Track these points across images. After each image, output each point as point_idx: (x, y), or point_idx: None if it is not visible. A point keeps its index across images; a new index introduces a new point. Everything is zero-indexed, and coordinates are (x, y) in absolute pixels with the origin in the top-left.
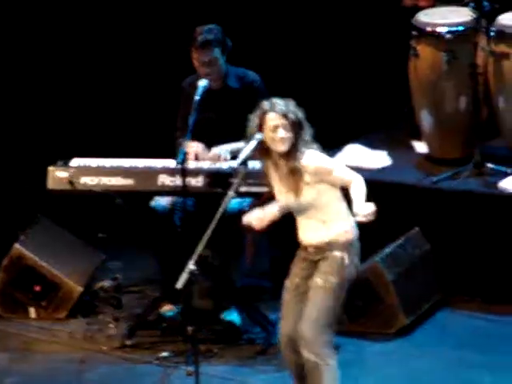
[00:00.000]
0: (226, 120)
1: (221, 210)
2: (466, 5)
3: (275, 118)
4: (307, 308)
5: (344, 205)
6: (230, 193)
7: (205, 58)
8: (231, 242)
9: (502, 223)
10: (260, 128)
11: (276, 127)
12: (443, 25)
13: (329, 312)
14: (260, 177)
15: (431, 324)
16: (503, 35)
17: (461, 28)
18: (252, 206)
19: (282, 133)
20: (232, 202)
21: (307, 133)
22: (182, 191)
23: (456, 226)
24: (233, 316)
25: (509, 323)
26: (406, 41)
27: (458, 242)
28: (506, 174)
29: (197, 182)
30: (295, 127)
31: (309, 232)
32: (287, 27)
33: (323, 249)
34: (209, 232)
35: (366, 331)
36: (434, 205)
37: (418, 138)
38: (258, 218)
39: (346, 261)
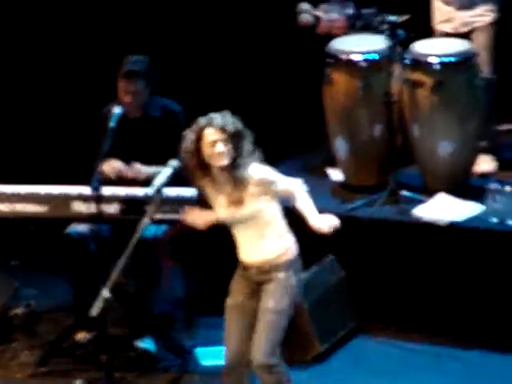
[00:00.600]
0: (144, 148)
1: (135, 237)
2: (380, 33)
3: (213, 133)
4: (263, 332)
5: (284, 221)
6: (145, 220)
7: (129, 87)
8: (146, 269)
9: (416, 251)
10: (197, 144)
11: (214, 142)
12: (358, 52)
13: (282, 333)
14: (175, 204)
15: (346, 351)
16: (418, 63)
17: (375, 56)
18: (167, 234)
19: (221, 147)
20: (147, 228)
21: (248, 143)
22: (97, 218)
23: (371, 253)
24: (148, 343)
25: (422, 351)
26: (321, 68)
27: (373, 270)
28: (420, 202)
29: (111, 208)
30: (234, 140)
31: (251, 251)
32: (203, 53)
33: (267, 270)
34: (124, 259)
35: (283, 358)
36: (349, 232)
37: (334, 165)
38: (199, 216)
39: (293, 281)
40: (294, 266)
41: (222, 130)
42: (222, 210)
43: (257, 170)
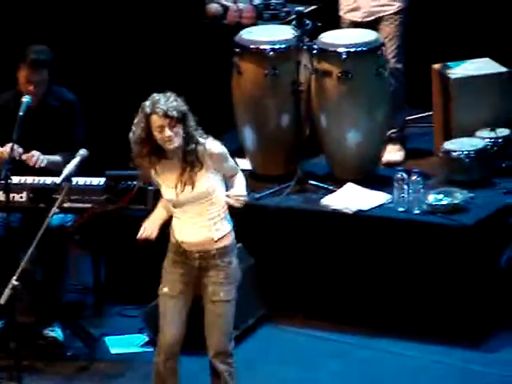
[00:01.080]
0: (44, 136)
1: (44, 225)
2: (288, 23)
3: (158, 120)
4: (218, 323)
5: (226, 205)
6: (54, 208)
7: (34, 77)
8: (54, 258)
9: (323, 240)
10: (148, 130)
11: (162, 127)
12: (265, 42)
13: (232, 319)
14: (83, 193)
15: (255, 339)
16: (325, 53)
17: (283, 45)
18: (75, 222)
19: (168, 132)
20: (55, 217)
21: (194, 121)
22: (5, 207)
23: (279, 242)
24: (56, 332)
25: (330, 340)
26: (229, 58)
27: (282, 258)
28: (328, 191)
29: (20, 197)
30: (180, 121)
31: (194, 232)
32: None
33: (212, 255)
34: (32, 247)
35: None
36: (257, 221)
37: (242, 154)
38: (150, 227)
39: (236, 266)
40: (234, 249)
41: (165, 115)
42: (171, 191)
43: (215, 145)
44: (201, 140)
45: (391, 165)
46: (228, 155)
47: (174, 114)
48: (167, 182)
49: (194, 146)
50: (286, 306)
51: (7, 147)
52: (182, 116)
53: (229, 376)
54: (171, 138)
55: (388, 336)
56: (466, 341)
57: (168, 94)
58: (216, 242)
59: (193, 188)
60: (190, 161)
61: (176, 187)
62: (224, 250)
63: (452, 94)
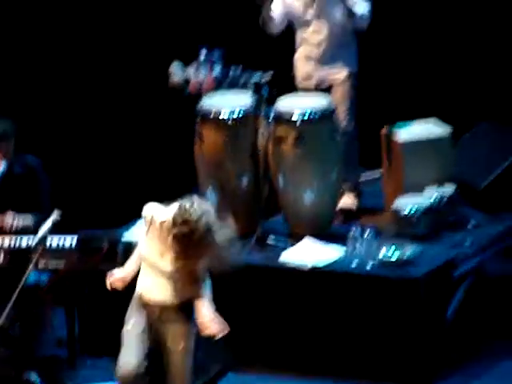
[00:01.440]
0: (13, 201)
1: (21, 284)
2: (246, 90)
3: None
4: (180, 374)
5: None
6: (29, 268)
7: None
8: (31, 314)
9: (282, 294)
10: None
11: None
12: (225, 110)
13: (191, 370)
14: (58, 253)
15: None
16: (281, 119)
17: (242, 112)
18: (50, 281)
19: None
20: (31, 275)
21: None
22: None
23: (241, 297)
24: (33, 376)
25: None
26: (192, 126)
27: (243, 312)
28: (285, 248)
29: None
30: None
31: (160, 291)
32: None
33: (172, 310)
34: (9, 305)
35: None
36: (220, 277)
37: None
38: (120, 278)
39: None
40: (191, 307)
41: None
42: (151, 254)
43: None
44: None
45: (345, 212)
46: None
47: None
48: (160, 251)
49: None
50: (249, 356)
51: None
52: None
53: None
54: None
55: (344, 382)
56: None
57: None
58: (181, 301)
59: (171, 262)
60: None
61: (164, 257)
62: (187, 306)
63: (401, 156)
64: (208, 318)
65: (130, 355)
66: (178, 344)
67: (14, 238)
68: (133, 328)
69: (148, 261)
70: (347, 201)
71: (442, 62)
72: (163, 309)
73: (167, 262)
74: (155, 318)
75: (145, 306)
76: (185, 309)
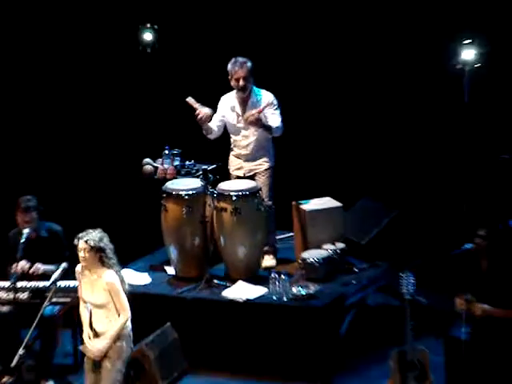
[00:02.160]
0: (40, 256)
1: (39, 313)
2: (197, 176)
3: (80, 244)
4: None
5: (126, 306)
6: (45, 303)
7: (26, 218)
8: (47, 335)
9: (223, 319)
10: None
11: (78, 250)
12: (182, 190)
13: (116, 377)
14: (66, 291)
15: None
16: (222, 196)
17: (194, 192)
18: (60, 311)
19: (83, 254)
20: (47, 308)
21: (109, 255)
22: (14, 302)
23: (195, 321)
24: (50, 382)
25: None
26: (159, 200)
27: (196, 331)
28: (226, 287)
29: (23, 296)
30: (98, 249)
31: (98, 324)
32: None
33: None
34: (32, 329)
35: None
36: (179, 307)
37: (169, 263)
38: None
39: (124, 347)
40: (126, 337)
41: (86, 242)
42: (87, 296)
43: (109, 276)
44: (106, 270)
45: (268, 268)
46: (120, 292)
47: (91, 243)
48: (86, 290)
49: (99, 272)
50: (201, 363)
51: (20, 265)
52: (99, 247)
53: None
54: (84, 259)
55: (265, 380)
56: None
57: (95, 230)
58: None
59: (98, 297)
60: (95, 281)
61: (90, 294)
62: (118, 337)
63: (306, 221)
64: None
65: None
66: (108, 365)
67: (35, 282)
68: (87, 362)
69: (90, 302)
70: (268, 260)
71: (332, 158)
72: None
73: (95, 296)
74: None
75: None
76: (117, 339)
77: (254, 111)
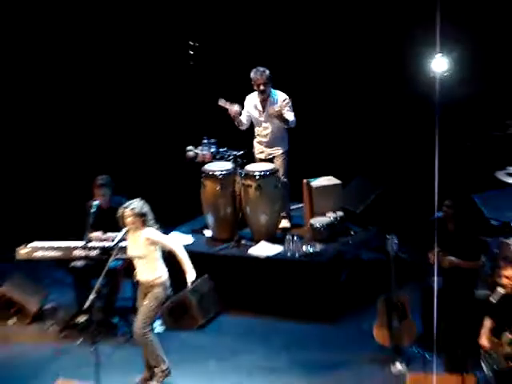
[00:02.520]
0: (111, 223)
1: (106, 267)
2: (229, 160)
3: (126, 212)
4: (138, 314)
5: (160, 261)
6: (111, 258)
7: (100, 192)
8: (113, 283)
9: (249, 271)
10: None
11: (125, 217)
12: (218, 171)
13: (150, 313)
14: (124, 249)
15: (214, 324)
16: (248, 175)
17: (226, 172)
18: (122, 265)
19: (130, 218)
20: (112, 263)
21: (147, 215)
22: (86, 258)
23: (227, 273)
24: (115, 321)
25: (258, 323)
26: (199, 179)
27: (228, 280)
28: (252, 246)
29: (95, 252)
30: (140, 215)
31: (141, 274)
32: None
33: (149, 286)
34: (100, 278)
35: (182, 328)
36: (217, 262)
37: (207, 228)
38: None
39: (161, 292)
40: (163, 285)
41: (131, 209)
42: (131, 249)
43: (148, 232)
44: (146, 228)
45: (284, 229)
46: (159, 238)
47: (136, 210)
48: (131, 244)
49: (141, 231)
50: (232, 305)
51: (93, 234)
52: (140, 213)
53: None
54: (129, 223)
55: (282, 319)
56: (324, 321)
57: (138, 200)
58: (152, 280)
59: (138, 250)
60: (138, 237)
61: (134, 248)
62: (155, 285)
63: (313, 195)
64: (187, 271)
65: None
66: (146, 301)
67: (103, 243)
68: (140, 298)
69: (135, 255)
70: (284, 223)
71: (334, 145)
72: (144, 285)
73: (140, 249)
74: (142, 291)
75: (139, 284)
76: (155, 286)
77: (276, 108)
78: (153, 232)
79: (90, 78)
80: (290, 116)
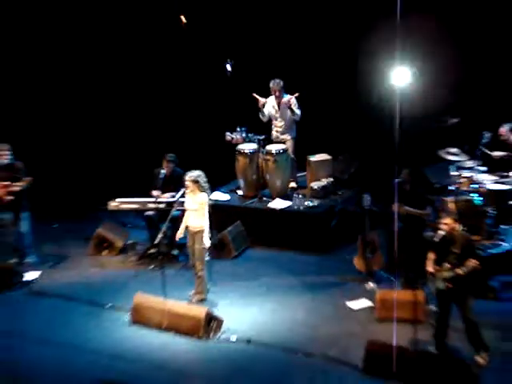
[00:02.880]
0: (172, 186)
1: (170, 215)
2: (254, 142)
3: (187, 178)
4: (195, 253)
5: (206, 215)
6: (173, 209)
7: (166, 165)
8: (174, 227)
9: (267, 220)
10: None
11: (186, 182)
12: (247, 149)
13: (201, 251)
14: (183, 204)
15: (245, 255)
16: (268, 153)
17: (253, 150)
18: (180, 214)
19: (189, 184)
20: (174, 212)
21: (203, 183)
22: (155, 209)
23: (253, 219)
24: (176, 252)
25: (277, 255)
26: (234, 155)
27: (253, 226)
28: (270, 201)
29: (161, 205)
30: (195, 182)
31: (192, 222)
32: None
33: (196, 231)
34: (165, 223)
35: (221, 257)
36: (246, 212)
37: (239, 188)
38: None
39: (205, 236)
40: (207, 231)
41: (189, 177)
42: (187, 204)
43: (200, 196)
44: (199, 191)
45: (293, 188)
46: (205, 199)
47: (192, 177)
48: (187, 199)
49: (197, 194)
50: (255, 242)
51: (157, 192)
52: (196, 180)
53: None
54: (188, 186)
55: (290, 252)
56: (320, 253)
57: (196, 171)
58: (199, 227)
59: (193, 204)
60: (196, 197)
61: (192, 203)
62: (202, 231)
63: (312, 167)
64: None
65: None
66: (197, 246)
67: (167, 199)
68: (189, 245)
69: (191, 208)
70: (292, 184)
71: (328, 133)
72: (193, 231)
73: (196, 204)
74: (191, 235)
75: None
76: (202, 232)
77: (286, 99)
78: (203, 196)
79: (166, 75)
80: (297, 111)
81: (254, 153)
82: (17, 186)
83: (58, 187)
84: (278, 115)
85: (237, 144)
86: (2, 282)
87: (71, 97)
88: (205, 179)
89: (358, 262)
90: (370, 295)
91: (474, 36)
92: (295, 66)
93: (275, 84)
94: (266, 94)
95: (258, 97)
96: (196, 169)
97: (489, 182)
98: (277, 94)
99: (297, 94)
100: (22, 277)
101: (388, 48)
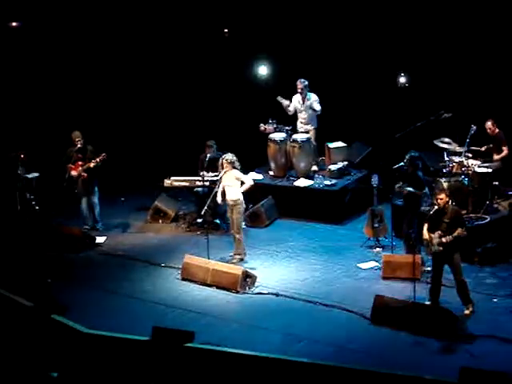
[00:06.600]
0: (213, 167)
1: (213, 191)
2: (283, 132)
3: (225, 161)
4: (234, 222)
5: (240, 189)
6: (217, 186)
7: (207, 150)
8: (213, 201)
9: (293, 195)
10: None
11: (223, 163)
12: (278, 138)
13: (239, 220)
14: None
15: (275, 224)
16: (294, 140)
17: (282, 138)
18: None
19: (226, 166)
20: (200, 189)
21: (235, 162)
22: (203, 186)
23: (282, 194)
24: (218, 220)
25: (301, 224)
26: (266, 142)
27: (281, 200)
28: (296, 181)
29: (207, 183)
30: (231, 162)
31: (230, 196)
32: None
33: (233, 204)
34: (210, 197)
35: (255, 226)
36: (276, 189)
37: (270, 170)
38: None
39: (241, 207)
40: (242, 202)
41: (224, 159)
42: (224, 181)
43: (234, 172)
44: (232, 168)
45: (315, 171)
46: (240, 176)
47: (228, 159)
48: (224, 178)
49: (233, 170)
50: (283, 214)
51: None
52: (231, 161)
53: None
54: (226, 165)
55: (312, 222)
56: (336, 223)
57: (229, 153)
58: (235, 199)
59: (229, 179)
60: (229, 173)
61: (226, 179)
62: (238, 202)
63: (330, 152)
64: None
65: None
66: (235, 214)
67: (211, 178)
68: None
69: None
70: (315, 167)
71: (343, 123)
72: (231, 202)
73: (228, 179)
74: (230, 207)
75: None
76: (238, 203)
77: (308, 103)
78: (237, 172)
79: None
80: (317, 107)
81: (283, 141)
82: (92, 163)
83: (123, 168)
84: (302, 108)
85: (269, 133)
86: (79, 245)
87: (136, 93)
88: (237, 160)
89: (367, 231)
90: (376, 258)
91: (466, 35)
92: (317, 68)
93: (300, 83)
94: (292, 92)
95: (281, 100)
96: (236, 154)
97: (475, 165)
98: (299, 90)
99: (315, 99)
100: (94, 240)
101: None
